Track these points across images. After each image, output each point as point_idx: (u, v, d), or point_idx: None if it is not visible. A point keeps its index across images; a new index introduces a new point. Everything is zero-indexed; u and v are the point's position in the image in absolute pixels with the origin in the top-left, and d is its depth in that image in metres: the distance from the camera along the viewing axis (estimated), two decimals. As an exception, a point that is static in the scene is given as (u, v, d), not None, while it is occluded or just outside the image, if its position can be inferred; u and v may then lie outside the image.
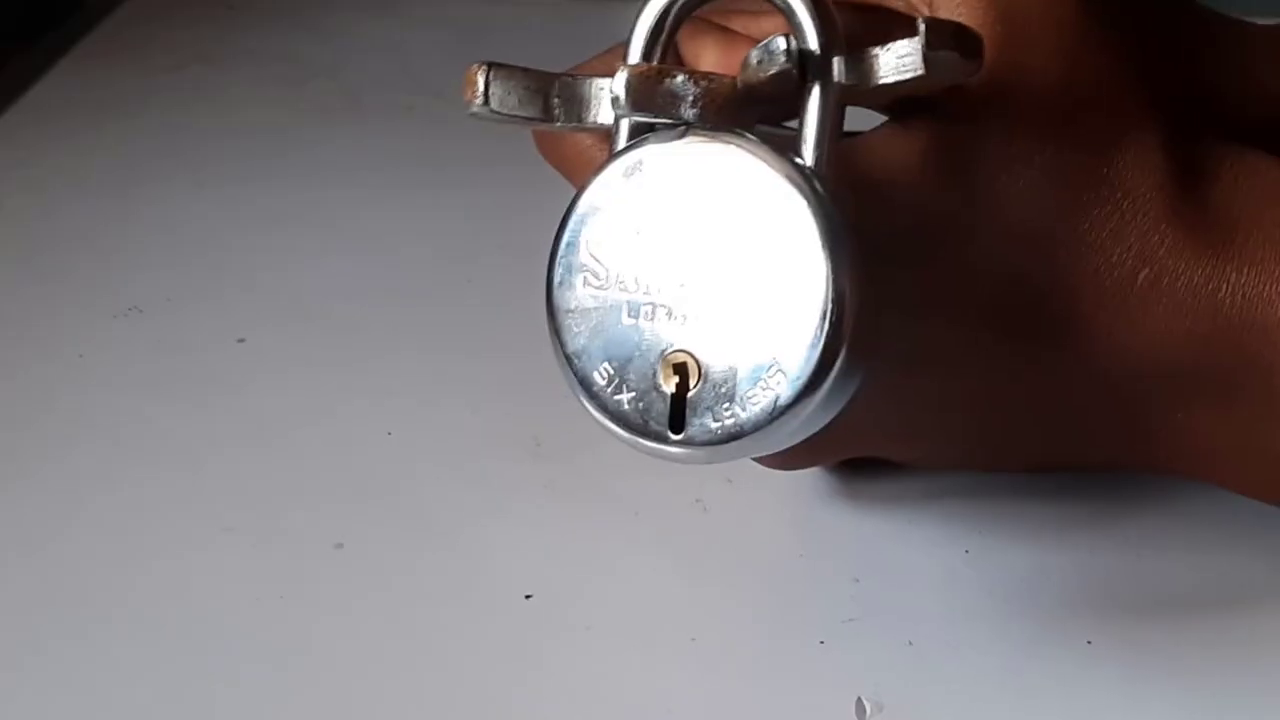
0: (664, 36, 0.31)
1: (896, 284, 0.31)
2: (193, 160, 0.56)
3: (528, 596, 0.35)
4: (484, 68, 0.31)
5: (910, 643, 0.33)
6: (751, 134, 0.29)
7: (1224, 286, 0.32)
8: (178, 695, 0.33)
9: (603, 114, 0.31)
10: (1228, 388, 0.33)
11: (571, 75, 0.31)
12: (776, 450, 0.31)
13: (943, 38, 0.29)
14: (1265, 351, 0.32)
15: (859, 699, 0.32)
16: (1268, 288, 0.32)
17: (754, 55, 0.29)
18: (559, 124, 0.31)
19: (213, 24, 0.66)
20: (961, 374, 0.33)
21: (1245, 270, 0.32)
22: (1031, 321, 0.32)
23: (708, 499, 0.37)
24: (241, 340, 0.45)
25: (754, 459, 0.35)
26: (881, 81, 0.29)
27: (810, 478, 0.38)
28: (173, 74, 0.62)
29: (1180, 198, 0.32)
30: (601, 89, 0.31)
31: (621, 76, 0.29)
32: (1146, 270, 0.32)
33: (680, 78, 0.29)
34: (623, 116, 0.30)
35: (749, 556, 0.36)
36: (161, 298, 0.47)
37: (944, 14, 0.32)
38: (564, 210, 0.29)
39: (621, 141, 0.30)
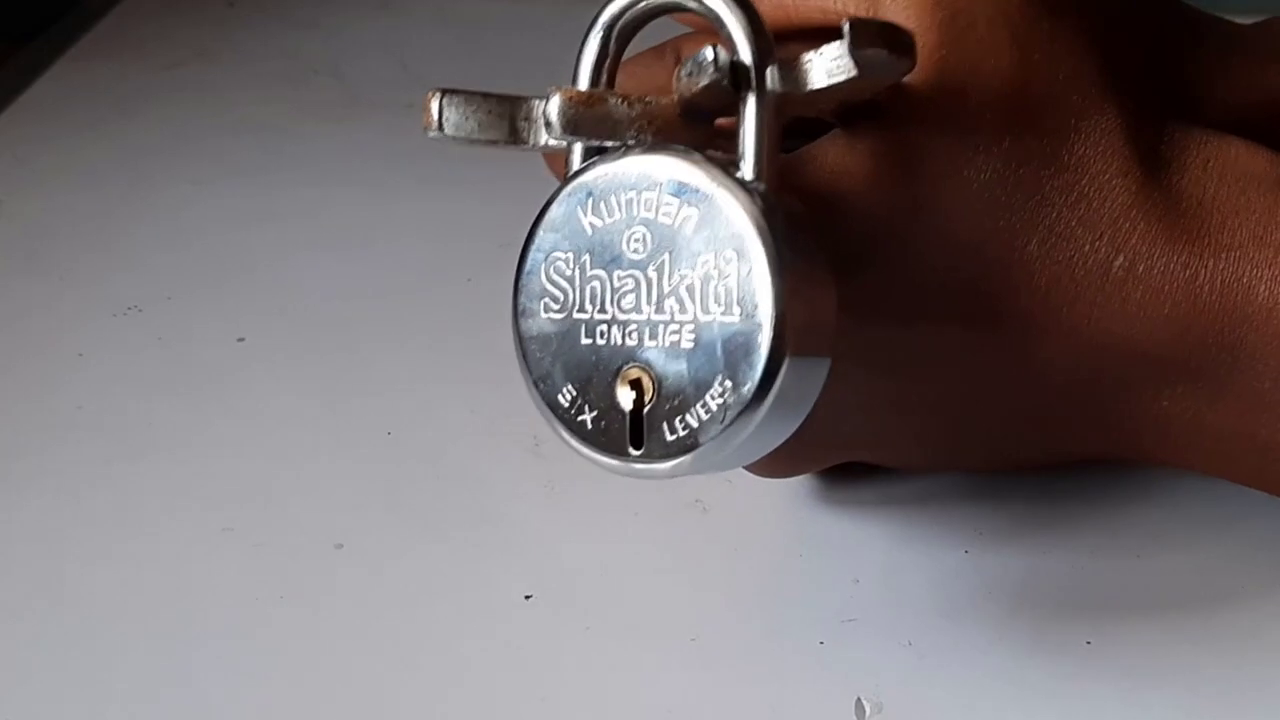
0: (609, 61, 0.31)
1: (857, 290, 0.31)
2: (192, 158, 0.56)
3: (527, 597, 0.35)
4: (437, 94, 0.31)
5: (910, 643, 0.33)
6: (692, 150, 0.29)
7: (1201, 272, 0.32)
8: (177, 695, 0.33)
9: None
10: (1210, 375, 0.33)
11: (539, 97, 0.32)
12: (741, 464, 0.31)
13: (869, 36, 0.29)
14: (1246, 337, 0.32)
15: (859, 699, 0.32)
16: (1246, 273, 0.32)
17: (684, 68, 0.29)
18: (529, 145, 0.31)
19: (211, 21, 0.66)
20: (938, 375, 0.33)
21: (1222, 256, 0.32)
22: (1005, 316, 0.32)
23: (708, 499, 0.37)
24: (241, 339, 0.45)
25: (743, 467, 0.36)
26: (815, 86, 0.29)
27: (809, 479, 0.38)
28: (172, 72, 0.62)
29: (1148, 183, 0.32)
30: None
31: (554, 101, 0.29)
32: (1121, 258, 0.32)
33: (615, 101, 0.29)
34: (557, 141, 0.30)
35: (749, 556, 0.36)
36: (161, 296, 0.47)
37: (889, 17, 0.32)
38: (524, 238, 0.30)
39: (575, 165, 0.30)
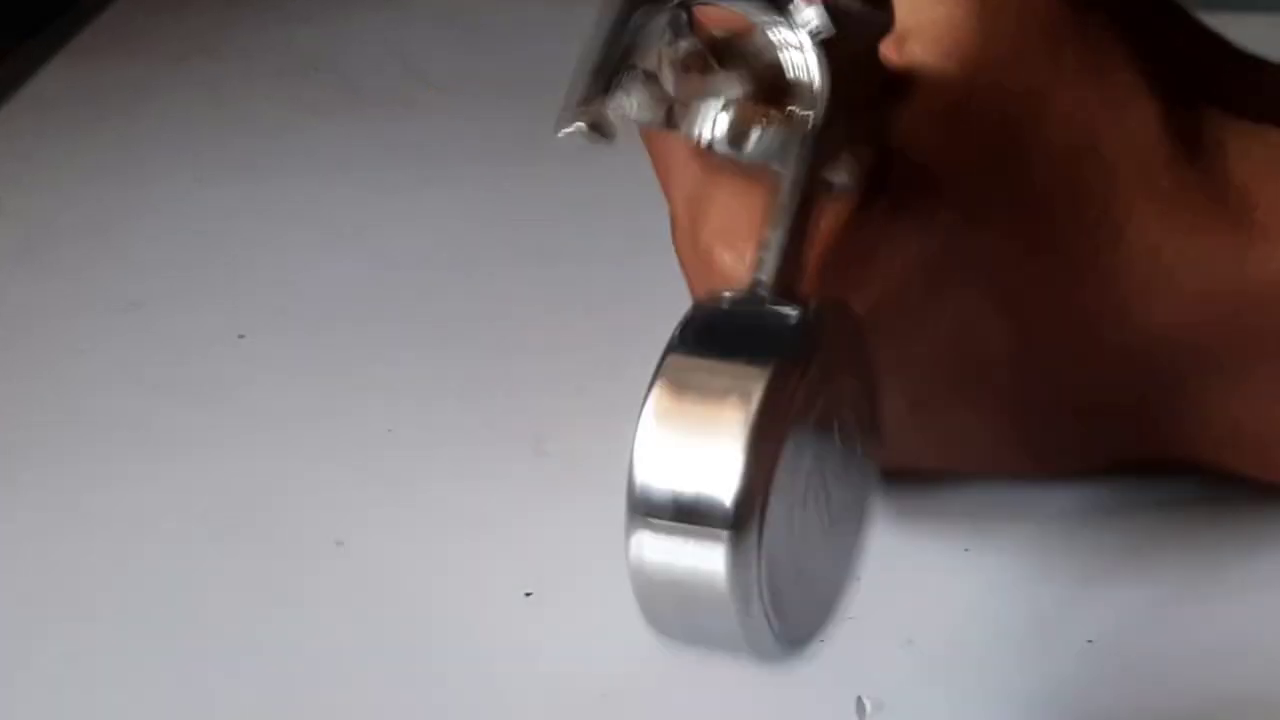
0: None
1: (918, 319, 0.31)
2: (192, 154, 0.56)
3: (528, 594, 0.35)
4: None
5: (910, 641, 0.33)
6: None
7: (1249, 259, 0.32)
8: (177, 693, 0.33)
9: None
10: (1261, 366, 0.32)
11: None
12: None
13: None
14: None
15: (859, 698, 0.32)
16: None
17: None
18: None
19: (211, 16, 0.66)
20: (996, 378, 0.33)
21: (1269, 241, 0.32)
22: (1061, 318, 0.32)
23: (708, 498, 0.37)
24: (242, 336, 0.45)
25: None
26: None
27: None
28: (171, 67, 0.62)
29: (1191, 172, 0.32)
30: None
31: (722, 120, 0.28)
32: (1167, 250, 0.32)
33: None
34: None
35: (749, 556, 0.36)
36: (162, 293, 0.47)
37: (919, 8, 0.31)
38: None
39: None
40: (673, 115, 0.30)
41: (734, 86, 0.29)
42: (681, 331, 0.25)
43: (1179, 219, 0.32)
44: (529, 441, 0.40)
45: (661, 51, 0.29)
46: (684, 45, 0.28)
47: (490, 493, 0.38)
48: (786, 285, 0.26)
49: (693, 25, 0.29)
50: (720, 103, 0.28)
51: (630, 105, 0.30)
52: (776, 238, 0.27)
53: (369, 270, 0.48)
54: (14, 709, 0.33)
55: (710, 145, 0.28)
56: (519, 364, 0.43)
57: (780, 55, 0.28)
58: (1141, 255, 0.32)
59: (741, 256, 0.31)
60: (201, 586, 0.36)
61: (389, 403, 0.42)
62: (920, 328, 0.32)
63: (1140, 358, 0.33)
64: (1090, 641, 0.33)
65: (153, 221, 0.51)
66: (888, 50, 0.32)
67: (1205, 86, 0.35)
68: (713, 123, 0.28)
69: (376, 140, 0.56)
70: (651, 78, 0.29)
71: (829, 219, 0.30)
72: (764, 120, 0.28)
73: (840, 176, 0.30)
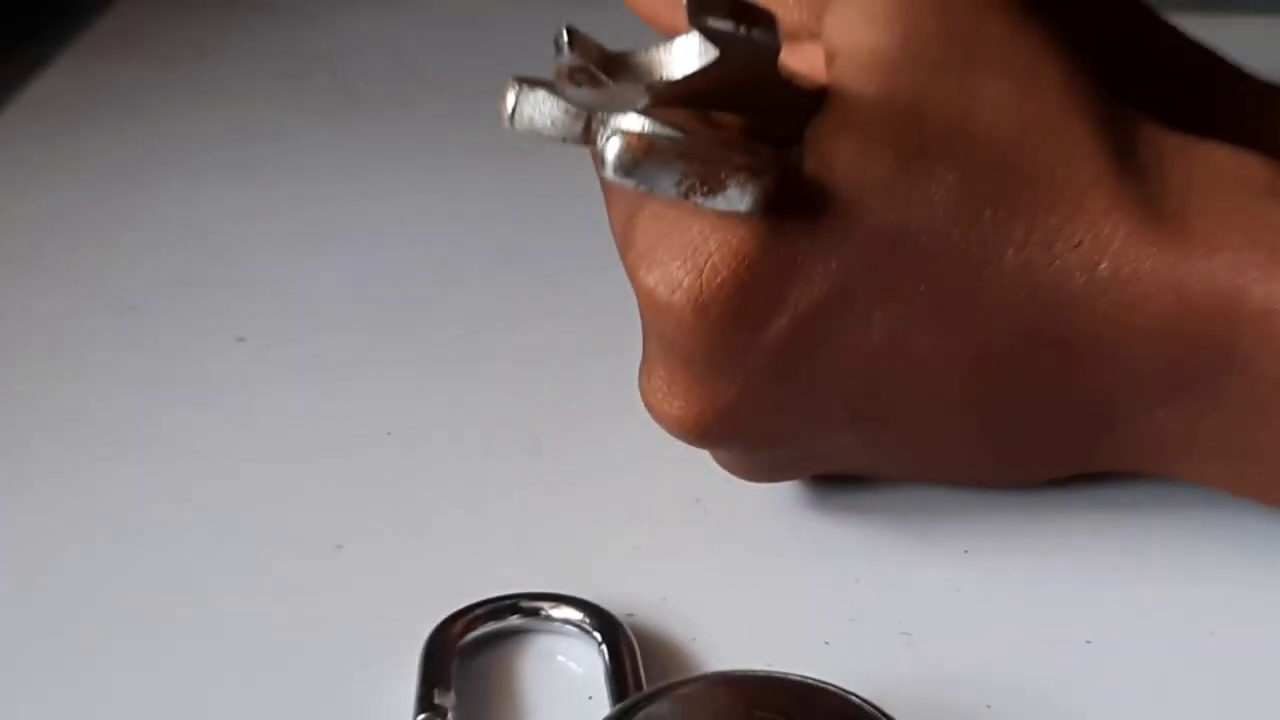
0: None
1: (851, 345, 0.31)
2: (191, 156, 0.56)
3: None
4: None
5: (910, 642, 0.33)
6: None
7: (1191, 275, 0.31)
8: (175, 695, 0.33)
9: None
10: (1203, 381, 0.32)
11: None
12: None
13: (710, 5, 0.28)
14: (1241, 341, 0.31)
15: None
16: (1239, 275, 0.31)
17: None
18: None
19: (210, 18, 0.66)
20: (941, 389, 0.33)
21: (1212, 258, 0.31)
22: (998, 331, 0.32)
23: (707, 499, 0.37)
24: (241, 339, 0.45)
25: (726, 469, 0.36)
26: (680, 73, 0.29)
27: (809, 480, 0.38)
28: (170, 69, 0.62)
29: (1126, 185, 0.32)
30: None
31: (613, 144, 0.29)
32: (1104, 263, 0.31)
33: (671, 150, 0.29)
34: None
35: (749, 556, 0.36)
36: (160, 296, 0.47)
37: (846, 31, 0.32)
38: None
39: None
40: (590, 129, 0.30)
41: (630, 99, 0.29)
42: None
43: (1115, 233, 0.31)
44: (528, 442, 0.40)
45: (553, 66, 0.29)
46: (565, 60, 0.29)
47: (489, 494, 0.38)
48: None
49: (574, 42, 0.29)
50: (618, 129, 0.29)
51: (535, 117, 0.30)
52: None
53: (367, 272, 0.48)
54: (14, 709, 0.33)
55: (603, 169, 0.29)
56: (517, 365, 0.43)
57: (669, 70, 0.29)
58: (1076, 269, 0.31)
59: (662, 279, 0.31)
60: (200, 590, 0.36)
61: (388, 405, 0.42)
62: (854, 342, 0.32)
63: (1089, 371, 0.32)
64: (1089, 642, 0.33)
65: (151, 224, 0.51)
66: (817, 71, 0.32)
67: (1177, 101, 0.35)
68: (605, 146, 0.29)
69: (375, 142, 0.56)
70: (555, 89, 0.30)
71: (742, 240, 0.31)
72: (650, 152, 0.29)
73: (742, 199, 0.30)
